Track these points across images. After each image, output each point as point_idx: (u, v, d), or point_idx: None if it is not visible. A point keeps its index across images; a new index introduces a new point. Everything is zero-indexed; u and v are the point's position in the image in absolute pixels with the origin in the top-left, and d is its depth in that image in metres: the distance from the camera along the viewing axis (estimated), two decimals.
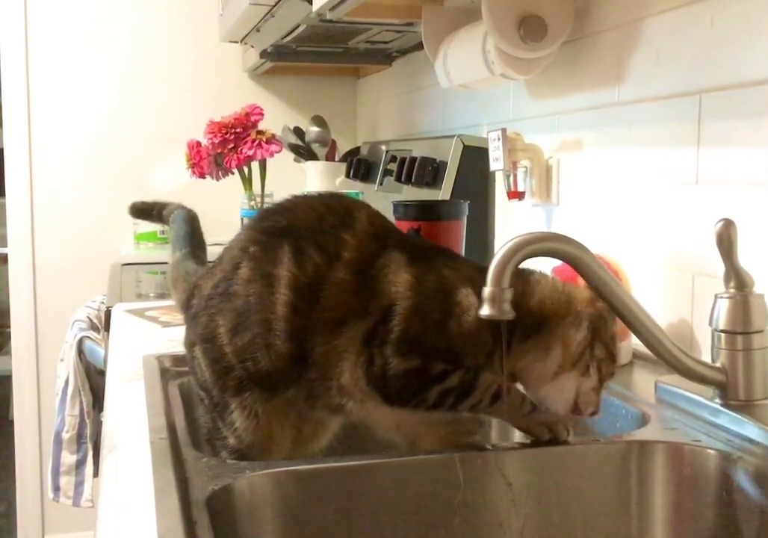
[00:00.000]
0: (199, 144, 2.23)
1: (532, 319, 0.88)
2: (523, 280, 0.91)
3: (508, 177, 1.60)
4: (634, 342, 1.13)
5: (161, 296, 1.95)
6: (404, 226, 1.35)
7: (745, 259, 0.94)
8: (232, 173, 2.24)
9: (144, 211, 1.35)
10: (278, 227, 0.94)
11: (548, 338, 0.88)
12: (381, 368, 0.87)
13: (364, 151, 2.58)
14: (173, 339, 1.32)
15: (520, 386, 0.91)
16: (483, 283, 0.85)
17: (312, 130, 2.76)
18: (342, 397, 0.90)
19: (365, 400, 0.90)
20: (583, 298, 0.91)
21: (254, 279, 0.91)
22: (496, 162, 1.56)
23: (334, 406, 0.91)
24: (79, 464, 2.24)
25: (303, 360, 0.89)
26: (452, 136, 1.86)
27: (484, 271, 0.87)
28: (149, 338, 1.42)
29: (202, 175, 2.25)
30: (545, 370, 0.88)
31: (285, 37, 2.31)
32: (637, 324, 0.92)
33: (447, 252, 0.98)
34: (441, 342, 0.87)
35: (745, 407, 0.93)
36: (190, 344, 0.97)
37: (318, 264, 0.90)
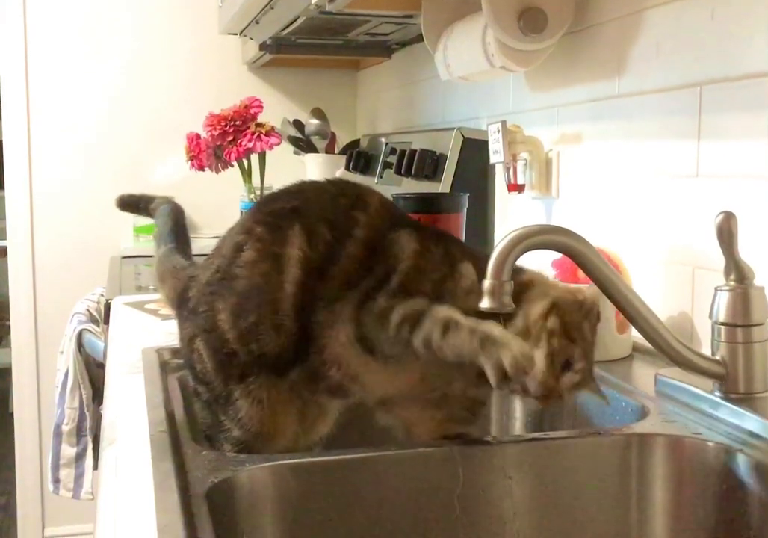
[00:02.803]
0: (198, 136, 2.23)
1: (518, 291, 0.86)
2: (520, 271, 0.91)
3: (507, 170, 1.60)
4: (634, 335, 1.13)
5: None
6: None
7: (745, 251, 0.94)
8: (232, 166, 2.23)
9: (131, 204, 1.33)
10: (287, 209, 0.93)
11: (518, 310, 0.87)
12: (368, 314, 0.86)
13: (363, 144, 2.57)
14: (172, 332, 1.32)
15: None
16: (486, 263, 0.84)
17: (311, 123, 2.76)
18: (334, 368, 0.89)
19: (357, 371, 0.89)
20: (569, 288, 0.91)
21: (260, 260, 0.91)
22: (496, 155, 1.56)
23: (333, 387, 0.91)
24: (79, 457, 2.25)
25: (307, 337, 0.89)
26: (452, 129, 1.85)
27: (487, 257, 0.87)
28: (149, 331, 1.42)
29: (201, 168, 2.25)
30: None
31: (284, 29, 2.30)
32: (637, 317, 0.92)
33: (455, 238, 0.99)
34: (432, 292, 0.87)
35: (745, 399, 0.93)
36: (189, 337, 0.96)
37: (330, 242, 0.90)
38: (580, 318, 0.88)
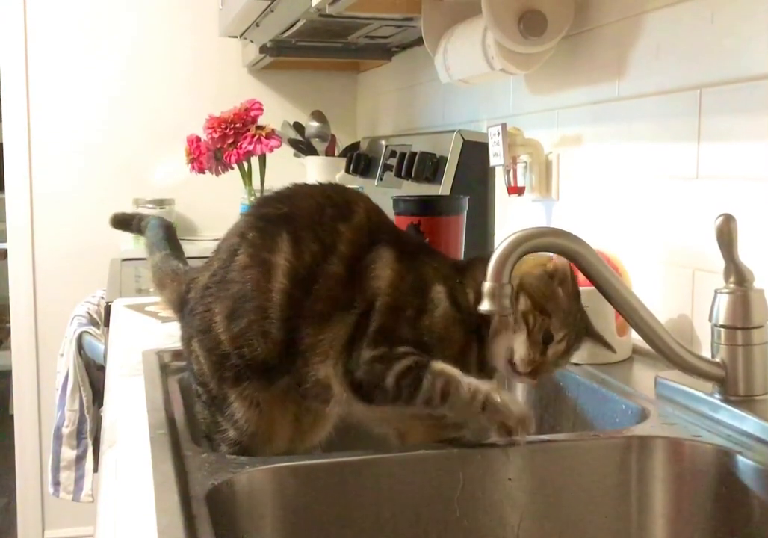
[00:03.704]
0: (198, 139, 2.23)
1: None
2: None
3: (507, 172, 1.60)
4: (634, 337, 1.13)
5: None
6: (404, 222, 1.35)
7: (745, 254, 0.94)
8: (232, 168, 2.24)
9: (124, 222, 1.34)
10: (277, 214, 0.94)
11: None
12: (356, 361, 0.88)
13: (363, 147, 2.57)
14: (173, 334, 1.32)
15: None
16: (457, 280, 0.91)
17: (312, 125, 2.76)
18: (324, 391, 0.91)
19: (344, 395, 0.90)
20: (534, 262, 0.93)
21: (251, 265, 0.92)
22: (496, 157, 1.56)
23: (321, 397, 0.92)
24: (79, 459, 2.25)
25: (294, 349, 0.90)
26: (452, 132, 1.85)
27: (459, 268, 0.94)
28: (149, 333, 1.42)
29: (201, 171, 2.25)
30: (490, 333, 0.91)
31: (284, 32, 2.31)
32: (637, 319, 0.92)
33: (430, 250, 1.00)
34: (412, 335, 0.89)
35: (744, 402, 0.93)
36: (187, 338, 0.97)
37: (315, 254, 0.91)
38: (552, 289, 0.91)
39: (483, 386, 0.86)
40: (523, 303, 0.90)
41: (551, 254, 0.94)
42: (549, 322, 0.90)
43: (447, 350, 0.90)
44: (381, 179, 2.22)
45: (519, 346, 0.89)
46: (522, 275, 0.91)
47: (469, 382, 0.85)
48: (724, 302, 0.94)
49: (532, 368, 0.89)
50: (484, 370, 0.92)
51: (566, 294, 0.92)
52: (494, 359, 0.91)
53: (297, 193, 0.97)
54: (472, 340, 0.91)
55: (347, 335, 0.89)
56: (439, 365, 0.86)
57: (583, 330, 0.94)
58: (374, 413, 0.94)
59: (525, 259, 0.92)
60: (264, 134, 2.15)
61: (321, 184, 1.00)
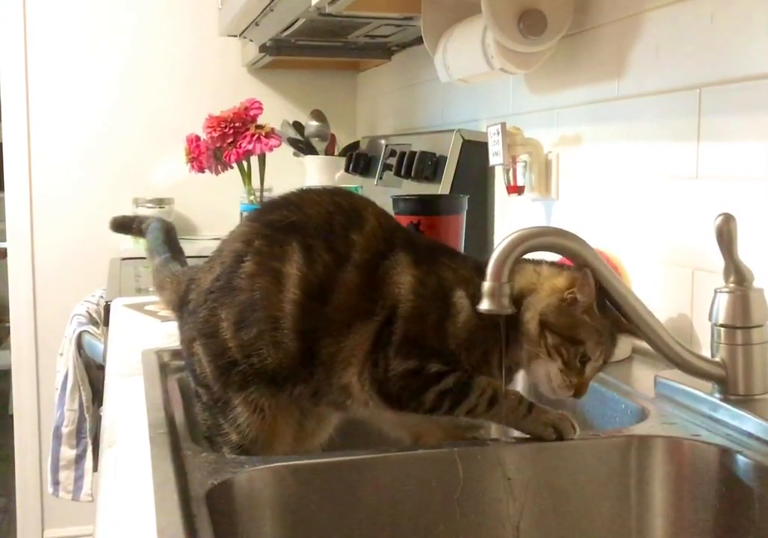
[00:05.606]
0: (198, 138, 2.22)
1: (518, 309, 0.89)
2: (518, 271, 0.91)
3: (507, 171, 1.60)
4: None
5: None
6: (403, 221, 1.35)
7: (744, 253, 0.94)
8: (232, 168, 2.23)
9: (124, 225, 1.34)
10: (285, 222, 0.93)
11: (519, 329, 0.89)
12: (383, 370, 0.88)
13: (363, 146, 2.57)
14: (172, 334, 1.32)
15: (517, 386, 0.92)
16: (478, 283, 0.88)
17: (311, 125, 2.76)
18: (346, 397, 0.91)
19: (368, 401, 0.90)
20: (551, 288, 0.90)
21: (260, 274, 0.91)
22: (496, 156, 1.56)
23: (338, 404, 0.92)
24: (79, 459, 2.25)
25: (311, 359, 0.89)
26: (452, 131, 1.85)
27: (481, 269, 0.89)
28: (148, 333, 1.42)
29: (201, 170, 2.25)
30: (522, 357, 0.90)
31: (284, 31, 2.30)
32: (636, 319, 0.92)
33: (448, 251, 0.99)
34: (438, 342, 0.89)
35: (744, 401, 0.93)
36: (188, 339, 0.96)
37: (328, 264, 0.90)
38: (576, 318, 0.88)
39: (524, 399, 0.89)
40: (551, 338, 0.88)
41: (559, 265, 0.93)
42: (584, 347, 0.88)
43: (472, 354, 0.89)
44: (381, 178, 2.22)
45: (555, 376, 0.88)
46: (541, 312, 0.88)
47: (511, 390, 0.89)
48: (723, 301, 0.94)
49: (575, 390, 0.89)
50: (506, 372, 0.91)
51: (592, 315, 0.88)
52: (537, 385, 0.91)
53: (304, 199, 0.96)
54: (496, 343, 0.90)
55: (370, 342, 0.89)
56: (482, 378, 0.88)
57: (615, 331, 0.91)
58: (393, 417, 0.94)
59: (539, 284, 0.90)
60: (263, 133, 2.14)
61: (326, 190, 0.98)
